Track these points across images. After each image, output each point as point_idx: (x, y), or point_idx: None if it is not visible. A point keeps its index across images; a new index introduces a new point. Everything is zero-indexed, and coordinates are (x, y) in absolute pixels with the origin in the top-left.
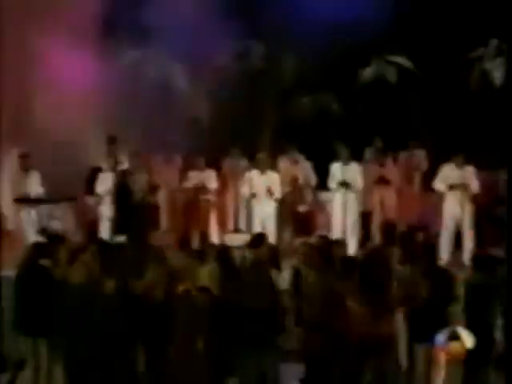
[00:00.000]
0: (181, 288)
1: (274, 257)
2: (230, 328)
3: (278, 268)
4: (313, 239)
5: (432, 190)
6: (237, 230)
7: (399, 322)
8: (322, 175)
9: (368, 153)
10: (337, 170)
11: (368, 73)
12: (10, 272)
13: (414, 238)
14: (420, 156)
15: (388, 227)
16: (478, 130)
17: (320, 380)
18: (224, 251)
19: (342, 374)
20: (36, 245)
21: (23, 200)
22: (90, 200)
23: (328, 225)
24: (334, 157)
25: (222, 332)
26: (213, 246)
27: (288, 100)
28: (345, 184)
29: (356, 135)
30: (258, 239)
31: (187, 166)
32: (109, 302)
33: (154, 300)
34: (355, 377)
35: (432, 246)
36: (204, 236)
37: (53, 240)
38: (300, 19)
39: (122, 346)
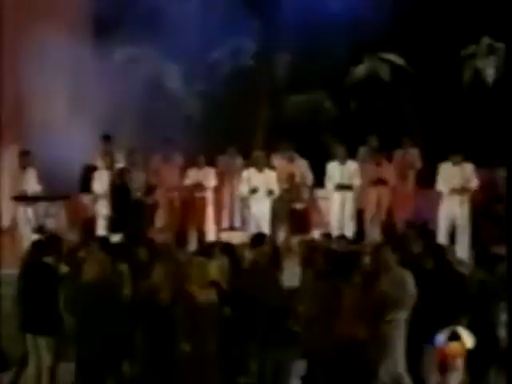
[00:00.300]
0: (188, 288)
1: (275, 256)
2: (242, 325)
3: (278, 267)
4: (316, 237)
5: (428, 188)
6: (232, 228)
7: (397, 323)
8: (316, 173)
9: (362, 152)
10: (334, 169)
11: (361, 70)
12: (7, 270)
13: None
14: (414, 154)
15: (388, 226)
16: (471, 127)
17: (320, 377)
18: (228, 247)
19: (340, 372)
20: (38, 242)
21: (21, 198)
22: (85, 198)
23: (324, 222)
24: (327, 155)
25: (233, 331)
26: (217, 242)
27: (281, 98)
28: (343, 187)
29: (350, 133)
30: (259, 239)
31: (187, 164)
32: (118, 302)
33: (162, 300)
34: (353, 375)
35: (440, 246)
36: (201, 233)
37: (50, 238)
38: (294, 18)
39: (128, 346)
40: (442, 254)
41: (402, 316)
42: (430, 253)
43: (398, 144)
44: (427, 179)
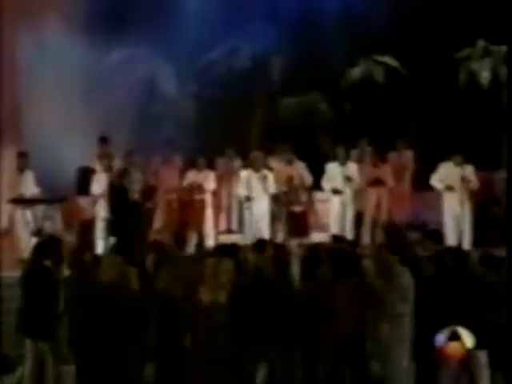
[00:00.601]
0: (198, 289)
1: (283, 257)
2: (250, 327)
3: (288, 268)
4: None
5: (423, 190)
6: (230, 231)
7: (396, 323)
8: (311, 175)
9: (354, 154)
10: (334, 170)
11: (356, 72)
12: (6, 273)
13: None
14: (408, 156)
15: (389, 227)
16: (466, 129)
17: (319, 377)
18: (233, 249)
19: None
20: (40, 245)
21: (18, 200)
22: (82, 201)
23: (321, 225)
24: (322, 157)
25: (241, 333)
26: (221, 244)
27: (277, 100)
28: (338, 192)
29: (345, 135)
30: (261, 244)
31: (185, 166)
32: (132, 304)
33: (174, 301)
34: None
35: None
36: (200, 236)
37: (51, 240)
38: (291, 20)
39: (138, 347)
40: (463, 257)
41: (399, 317)
42: (451, 255)
43: (393, 146)
44: (422, 181)
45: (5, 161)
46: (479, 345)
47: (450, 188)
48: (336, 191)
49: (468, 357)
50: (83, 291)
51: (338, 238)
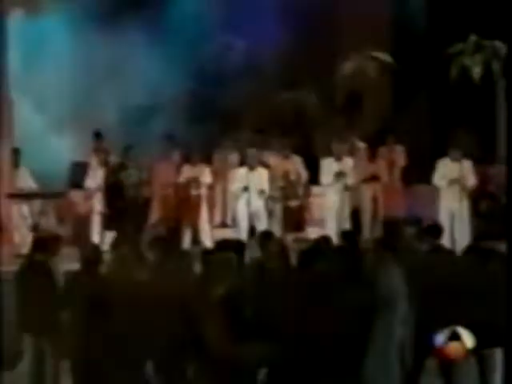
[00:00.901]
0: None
1: (284, 253)
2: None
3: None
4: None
5: (417, 184)
6: (224, 225)
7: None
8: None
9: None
10: (330, 165)
11: (348, 67)
12: (4, 268)
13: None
14: (399, 151)
15: (388, 223)
16: (458, 124)
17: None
18: (238, 245)
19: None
20: (38, 240)
21: (16, 195)
22: (75, 195)
23: (316, 220)
24: (315, 152)
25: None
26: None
27: (270, 96)
28: (341, 174)
29: (337, 131)
30: (267, 236)
31: (183, 161)
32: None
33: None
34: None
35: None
36: (195, 231)
37: (49, 236)
38: (284, 16)
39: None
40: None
41: (391, 316)
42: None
43: (383, 141)
44: (414, 177)
45: (4, 155)
46: (495, 343)
47: (452, 182)
48: (340, 173)
49: (482, 356)
50: (85, 285)
51: (347, 234)
